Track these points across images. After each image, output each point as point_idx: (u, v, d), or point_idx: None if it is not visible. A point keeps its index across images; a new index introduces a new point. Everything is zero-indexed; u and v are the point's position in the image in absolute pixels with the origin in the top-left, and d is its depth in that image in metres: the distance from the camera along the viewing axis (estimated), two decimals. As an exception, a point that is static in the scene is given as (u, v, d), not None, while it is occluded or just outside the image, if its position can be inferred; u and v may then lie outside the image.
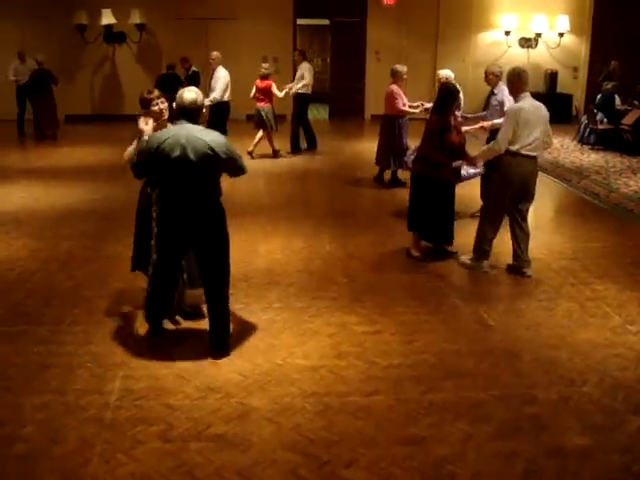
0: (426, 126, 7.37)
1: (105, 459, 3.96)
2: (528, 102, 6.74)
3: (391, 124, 10.67)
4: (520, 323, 5.93)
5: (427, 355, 5.30)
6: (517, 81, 6.80)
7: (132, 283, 6.57)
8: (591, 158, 13.75)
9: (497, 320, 5.97)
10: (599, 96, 15.39)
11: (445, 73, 9.77)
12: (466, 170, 7.81)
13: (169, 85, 15.49)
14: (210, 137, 4.99)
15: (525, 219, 7.02)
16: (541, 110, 6.81)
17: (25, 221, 8.94)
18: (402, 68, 10.78)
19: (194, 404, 4.54)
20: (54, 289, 6.58)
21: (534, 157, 6.80)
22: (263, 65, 13.45)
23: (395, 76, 10.72)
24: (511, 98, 7.34)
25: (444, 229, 7.48)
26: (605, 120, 14.93)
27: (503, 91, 8.47)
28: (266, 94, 13.15)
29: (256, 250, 7.71)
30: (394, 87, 10.58)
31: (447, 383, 4.87)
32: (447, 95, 7.29)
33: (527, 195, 6.92)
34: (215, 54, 12.98)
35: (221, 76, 12.64)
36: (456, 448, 4.12)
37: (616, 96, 15.25)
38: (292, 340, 5.50)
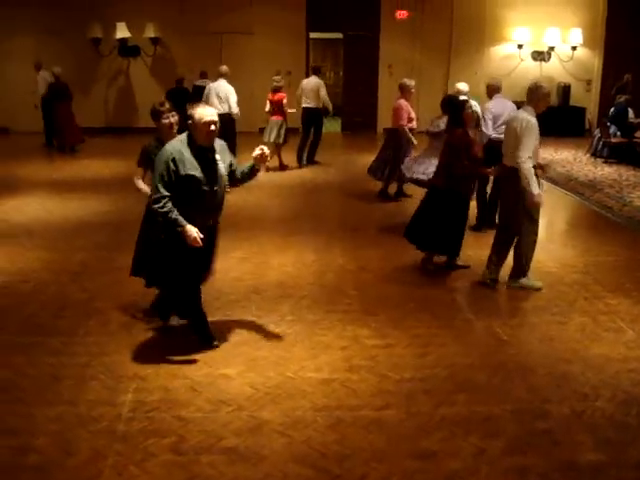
0: (448, 140, 7.35)
1: (117, 471, 3.97)
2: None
3: (396, 138, 10.68)
4: (533, 337, 5.91)
5: (439, 369, 5.29)
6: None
7: (145, 295, 6.59)
8: (604, 171, 13.71)
9: (510, 334, 5.95)
10: (612, 109, 15.35)
11: (461, 87, 9.91)
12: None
13: (178, 100, 15.64)
14: None
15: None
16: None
17: (39, 233, 9.00)
18: (410, 82, 10.81)
19: (206, 417, 4.54)
20: (67, 301, 6.62)
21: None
22: (275, 78, 13.52)
23: (403, 90, 10.74)
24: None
25: (455, 242, 7.44)
26: (618, 133, 14.89)
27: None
28: (278, 107, 13.23)
29: (268, 263, 7.72)
30: (402, 102, 10.61)
31: (459, 397, 4.86)
32: (455, 106, 7.34)
33: None
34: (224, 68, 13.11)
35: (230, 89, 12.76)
36: (468, 463, 4.10)
37: (629, 109, 15.22)
38: (304, 353, 5.50)
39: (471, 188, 7.49)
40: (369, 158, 14.58)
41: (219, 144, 5.34)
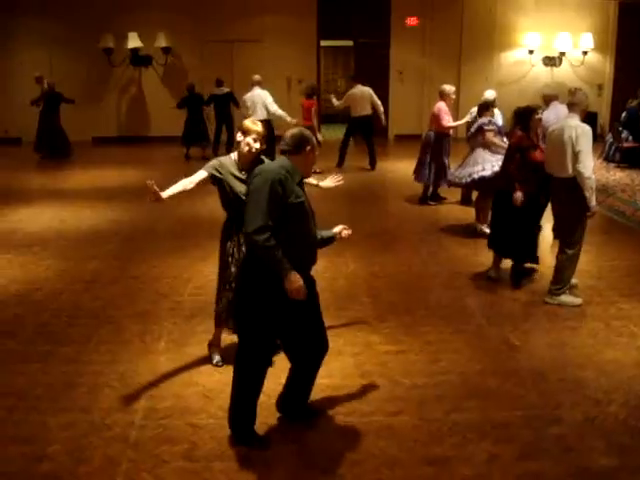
0: (509, 143, 7.40)
1: (130, 478, 3.99)
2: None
3: (437, 141, 10.83)
4: (545, 343, 5.89)
5: (451, 375, 5.28)
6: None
7: (157, 303, 6.64)
8: (616, 176, 13.64)
9: (522, 340, 5.93)
10: (624, 114, 15.29)
11: (489, 95, 10.28)
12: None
13: (195, 106, 15.78)
14: None
15: None
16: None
17: (52, 242, 9.05)
18: (450, 88, 10.99)
19: (218, 423, 4.54)
20: (80, 309, 6.66)
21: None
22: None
23: (443, 96, 10.92)
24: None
25: (529, 247, 7.25)
26: (630, 138, 14.83)
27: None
28: (309, 113, 13.65)
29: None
30: (442, 104, 10.80)
31: (471, 403, 4.85)
32: (526, 112, 7.19)
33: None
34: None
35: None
36: (480, 469, 4.09)
37: (641, 114, 15.14)
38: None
39: (534, 189, 7.00)
40: (381, 164, 14.65)
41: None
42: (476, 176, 8.98)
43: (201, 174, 5.09)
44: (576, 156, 6.40)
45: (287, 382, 4.57)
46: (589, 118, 6.72)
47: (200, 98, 16.06)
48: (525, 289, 7.15)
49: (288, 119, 13.04)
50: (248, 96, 13.66)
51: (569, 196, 6.58)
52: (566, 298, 6.76)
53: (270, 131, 12.48)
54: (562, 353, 5.67)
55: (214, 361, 5.39)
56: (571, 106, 6.66)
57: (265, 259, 4.02)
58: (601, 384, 5.11)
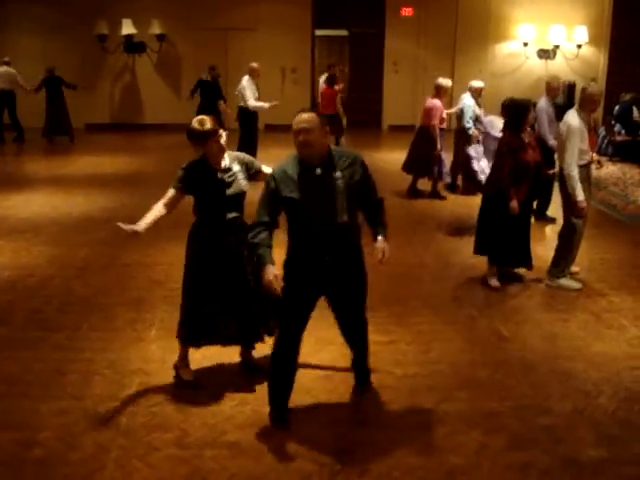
0: (500, 143, 7.04)
1: (120, 465, 4.00)
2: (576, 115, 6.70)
3: (427, 135, 10.67)
4: (536, 334, 5.92)
5: (442, 365, 5.30)
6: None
7: (150, 291, 6.64)
8: (608, 170, 13.65)
9: (512, 331, 5.96)
10: (617, 107, 15.33)
11: (476, 84, 10.37)
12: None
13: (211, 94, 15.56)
14: None
15: None
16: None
17: (44, 228, 9.03)
18: (447, 83, 10.76)
19: (209, 411, 4.57)
20: (72, 296, 6.65)
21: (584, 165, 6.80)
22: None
23: (439, 91, 10.70)
24: None
25: (522, 251, 7.06)
26: (623, 132, 14.87)
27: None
28: (330, 102, 14.03)
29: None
30: (436, 102, 10.58)
31: (462, 393, 4.88)
32: (519, 110, 6.82)
33: None
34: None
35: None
36: (470, 458, 4.12)
37: (634, 107, 15.18)
38: (306, 349, 5.44)
39: (527, 195, 6.90)
40: (375, 155, 14.64)
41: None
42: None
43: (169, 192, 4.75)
44: (564, 151, 6.56)
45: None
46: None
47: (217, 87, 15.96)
48: (516, 281, 7.17)
49: (266, 106, 12.83)
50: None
51: (561, 186, 6.77)
52: (565, 282, 6.90)
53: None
54: (552, 345, 5.70)
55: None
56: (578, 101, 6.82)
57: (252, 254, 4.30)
58: (591, 376, 5.14)
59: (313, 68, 19.42)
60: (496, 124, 8.70)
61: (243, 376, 5.07)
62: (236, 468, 3.98)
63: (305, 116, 4.15)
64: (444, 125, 10.84)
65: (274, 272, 4.12)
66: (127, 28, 17.93)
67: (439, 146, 10.52)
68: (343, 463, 4.05)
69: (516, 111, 6.86)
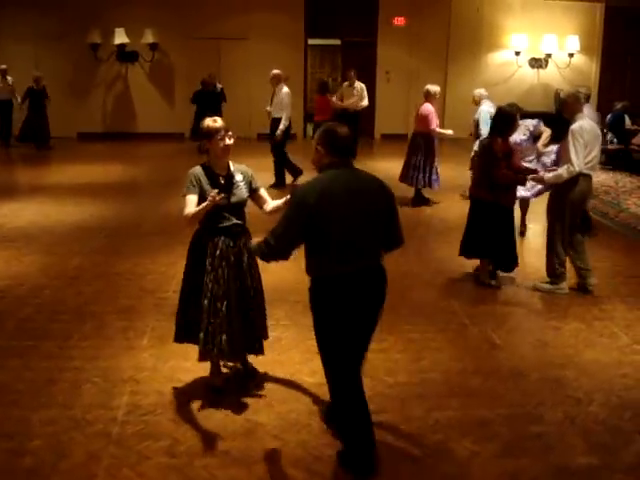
0: (486, 150, 7.09)
1: (111, 474, 3.98)
2: (586, 121, 6.77)
3: (427, 143, 10.81)
4: (527, 342, 5.93)
5: (434, 373, 5.30)
6: (574, 102, 6.82)
7: (141, 300, 6.63)
8: (600, 178, 13.71)
9: (504, 339, 5.97)
10: (609, 116, 15.41)
11: (479, 92, 10.62)
12: (518, 191, 7.71)
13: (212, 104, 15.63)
14: None
15: (576, 235, 7.08)
16: (596, 129, 6.90)
17: (35, 237, 9.01)
18: (435, 89, 10.95)
19: (200, 420, 4.55)
20: (63, 305, 6.63)
21: (590, 176, 6.87)
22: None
23: (428, 97, 10.88)
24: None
25: (507, 255, 7.19)
26: (615, 140, 14.94)
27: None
28: (323, 109, 14.09)
29: (265, 268, 7.65)
30: (429, 106, 10.77)
31: (453, 401, 4.87)
32: (507, 118, 7.04)
33: (580, 213, 7.12)
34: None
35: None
36: (461, 466, 4.11)
37: (626, 116, 15.27)
38: (298, 357, 5.51)
39: (514, 198, 7.25)
40: (368, 163, 14.64)
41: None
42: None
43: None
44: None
45: None
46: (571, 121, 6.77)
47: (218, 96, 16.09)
48: (508, 289, 7.19)
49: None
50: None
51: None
52: (551, 286, 7.00)
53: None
54: (544, 353, 5.71)
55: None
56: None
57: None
58: (582, 384, 5.15)
59: (305, 77, 19.47)
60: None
61: (235, 384, 5.05)
62: (227, 477, 3.96)
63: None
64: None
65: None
66: (120, 37, 17.98)
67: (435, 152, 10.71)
68: (335, 471, 4.04)
69: (505, 119, 7.04)
